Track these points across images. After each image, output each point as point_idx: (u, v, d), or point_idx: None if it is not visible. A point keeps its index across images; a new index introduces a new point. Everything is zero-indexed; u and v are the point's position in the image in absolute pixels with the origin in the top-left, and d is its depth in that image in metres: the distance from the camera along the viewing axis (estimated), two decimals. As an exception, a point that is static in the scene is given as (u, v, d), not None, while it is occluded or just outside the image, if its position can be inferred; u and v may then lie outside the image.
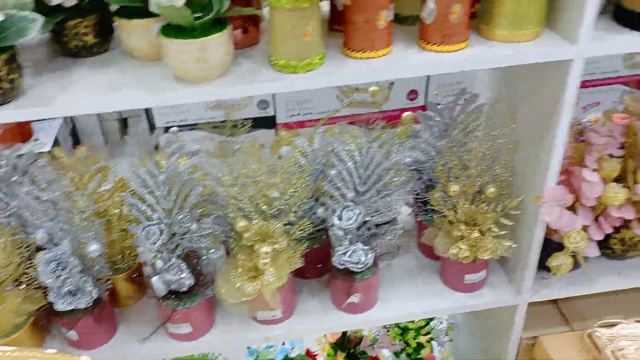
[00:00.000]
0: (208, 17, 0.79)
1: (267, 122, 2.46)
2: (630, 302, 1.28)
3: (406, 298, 1.20)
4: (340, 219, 1.04)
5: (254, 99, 2.34)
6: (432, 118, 1.21)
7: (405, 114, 1.26)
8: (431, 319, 1.63)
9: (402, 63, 0.88)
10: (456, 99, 1.20)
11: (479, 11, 0.94)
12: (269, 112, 2.43)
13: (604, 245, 1.22)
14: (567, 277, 1.20)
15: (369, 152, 1.07)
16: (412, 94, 2.43)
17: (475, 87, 1.28)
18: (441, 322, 1.65)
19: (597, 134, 1.10)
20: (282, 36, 0.83)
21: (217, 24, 0.83)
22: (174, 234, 1.05)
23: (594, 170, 1.07)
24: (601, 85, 2.62)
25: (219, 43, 0.81)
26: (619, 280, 1.22)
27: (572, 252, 1.09)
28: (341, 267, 1.09)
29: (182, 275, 1.05)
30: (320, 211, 1.09)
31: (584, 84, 2.59)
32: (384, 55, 0.89)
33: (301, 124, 2.46)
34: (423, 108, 2.41)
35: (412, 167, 1.22)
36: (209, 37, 0.80)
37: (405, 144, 1.21)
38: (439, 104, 1.20)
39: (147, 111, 2.42)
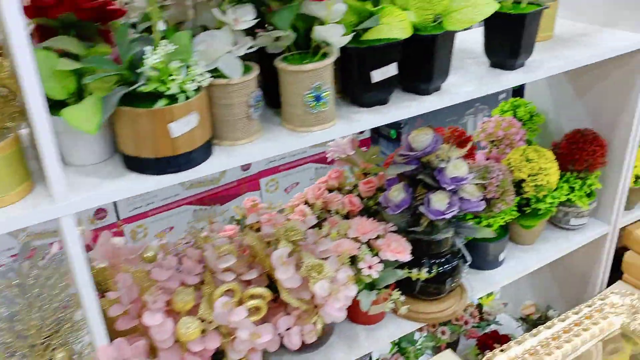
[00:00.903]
0: None
1: None
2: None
3: None
4: None
5: None
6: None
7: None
8: None
9: None
10: (21, 254, 1.08)
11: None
12: None
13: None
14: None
15: None
16: (100, 213, 2.28)
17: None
18: None
19: (162, 268, 1.05)
20: None
21: None
22: None
23: (161, 308, 1.01)
24: (296, 166, 2.76)
25: None
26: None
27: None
28: None
29: None
30: None
31: (278, 169, 2.71)
32: None
33: None
34: (113, 225, 2.27)
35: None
36: None
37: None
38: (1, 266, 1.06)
39: None
